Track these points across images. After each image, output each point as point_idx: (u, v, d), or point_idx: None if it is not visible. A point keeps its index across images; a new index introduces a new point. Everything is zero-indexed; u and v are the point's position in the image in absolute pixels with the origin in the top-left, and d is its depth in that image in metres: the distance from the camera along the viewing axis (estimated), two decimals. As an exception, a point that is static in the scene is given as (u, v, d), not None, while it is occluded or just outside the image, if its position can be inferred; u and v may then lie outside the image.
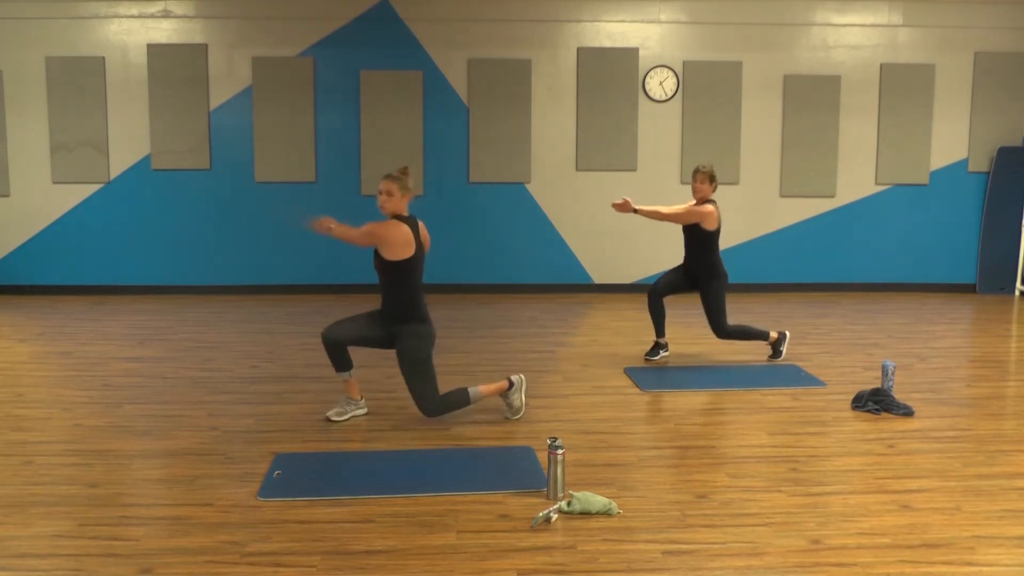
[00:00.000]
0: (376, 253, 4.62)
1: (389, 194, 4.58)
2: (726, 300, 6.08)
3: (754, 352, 6.41)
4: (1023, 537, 3.37)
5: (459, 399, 4.71)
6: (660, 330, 6.24)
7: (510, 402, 4.84)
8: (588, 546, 3.28)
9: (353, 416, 4.87)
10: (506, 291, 9.07)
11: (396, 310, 4.66)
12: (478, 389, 4.75)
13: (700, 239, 6.01)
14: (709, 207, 5.95)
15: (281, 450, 4.32)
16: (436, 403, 4.66)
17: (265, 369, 5.94)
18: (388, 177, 4.60)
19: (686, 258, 6.14)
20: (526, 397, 4.98)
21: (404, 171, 4.69)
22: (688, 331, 7.16)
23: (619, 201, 5.85)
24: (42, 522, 3.47)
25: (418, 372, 4.63)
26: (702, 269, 6.05)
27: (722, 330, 6.05)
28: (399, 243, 4.55)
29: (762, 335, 6.15)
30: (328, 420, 4.81)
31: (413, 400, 4.70)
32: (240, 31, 8.70)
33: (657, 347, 6.24)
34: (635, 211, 5.82)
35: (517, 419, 4.83)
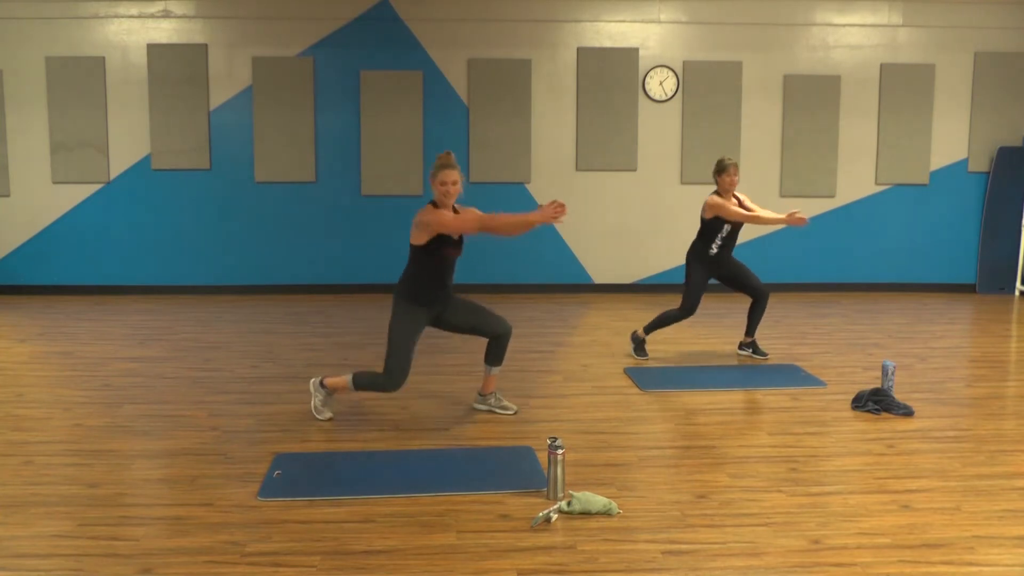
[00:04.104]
0: (460, 242, 4.67)
1: (454, 183, 4.51)
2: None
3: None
4: (1023, 537, 3.37)
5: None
6: (653, 328, 6.27)
7: (498, 399, 4.94)
8: (588, 546, 3.28)
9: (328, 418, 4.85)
10: (506, 291, 9.07)
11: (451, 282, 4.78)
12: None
13: (737, 227, 6.15)
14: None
15: (281, 450, 4.32)
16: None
17: (265, 369, 5.94)
18: (450, 167, 4.50)
19: (722, 251, 6.13)
20: (525, 397, 5.02)
21: (451, 154, 4.62)
22: (688, 331, 7.16)
23: (799, 218, 5.88)
24: (42, 522, 3.47)
25: (480, 306, 4.79)
26: (730, 252, 6.21)
27: (765, 289, 6.24)
28: None
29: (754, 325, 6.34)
30: (328, 419, 4.81)
31: (503, 326, 4.78)
32: (240, 31, 8.70)
33: (642, 345, 6.27)
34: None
35: (512, 415, 4.86)
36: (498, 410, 4.91)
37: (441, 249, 4.57)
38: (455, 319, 4.77)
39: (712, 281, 6.30)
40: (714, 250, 6.12)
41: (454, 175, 4.50)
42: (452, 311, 4.75)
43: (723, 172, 5.97)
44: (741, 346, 6.38)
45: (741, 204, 6.08)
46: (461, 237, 4.67)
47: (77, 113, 8.69)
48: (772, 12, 8.92)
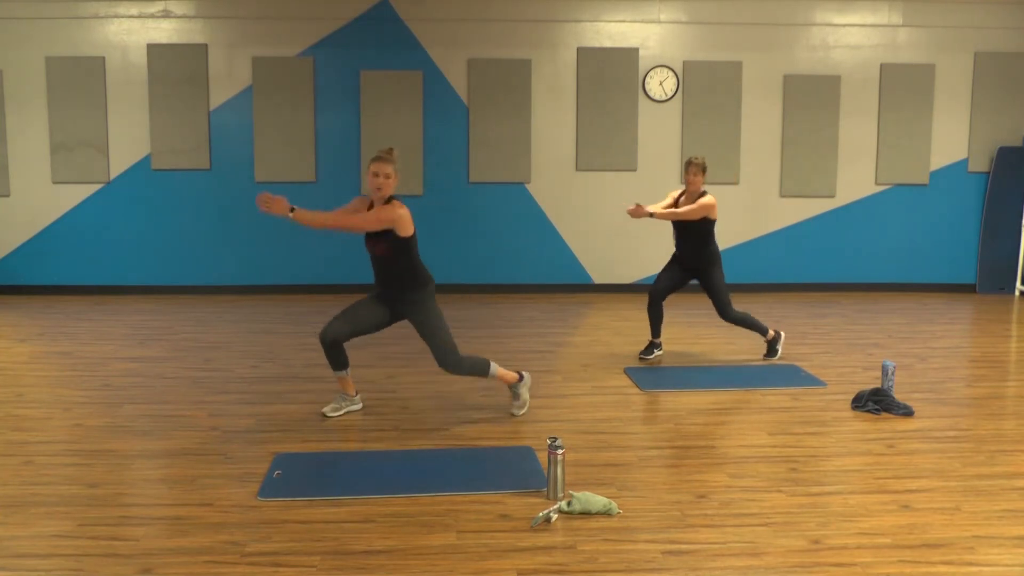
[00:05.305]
0: (379, 237, 4.57)
1: (387, 176, 4.53)
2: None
3: (754, 352, 6.41)
4: (1023, 537, 3.37)
5: (480, 365, 4.76)
6: (657, 331, 6.28)
7: (518, 392, 4.89)
8: (588, 546, 3.28)
9: (348, 411, 4.90)
10: (506, 291, 9.07)
11: (408, 282, 4.69)
12: (496, 368, 4.80)
13: (701, 231, 6.05)
14: (712, 199, 6.00)
15: (281, 450, 4.32)
16: (459, 358, 4.72)
17: (265, 369, 5.94)
18: (380, 160, 4.53)
19: (682, 252, 6.16)
20: (530, 396, 5.02)
21: (391, 151, 4.63)
22: (688, 331, 7.16)
23: (632, 207, 5.88)
24: (42, 522, 3.47)
25: (440, 328, 4.70)
26: (702, 259, 6.09)
27: (728, 314, 6.12)
28: (409, 220, 4.58)
29: (762, 329, 6.18)
30: (323, 416, 4.83)
31: (437, 357, 4.70)
32: (240, 31, 8.70)
33: (652, 346, 6.29)
34: (651, 215, 5.87)
35: (521, 415, 4.86)
36: (514, 409, 4.92)
37: (368, 240, 4.66)
38: (415, 329, 4.79)
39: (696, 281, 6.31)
40: (675, 246, 6.22)
41: (386, 168, 4.52)
42: (413, 319, 4.74)
43: (684, 171, 6.15)
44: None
45: (683, 203, 6.11)
46: (380, 234, 4.57)
47: (77, 113, 8.68)
48: (772, 12, 8.92)
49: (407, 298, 4.71)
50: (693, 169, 6.00)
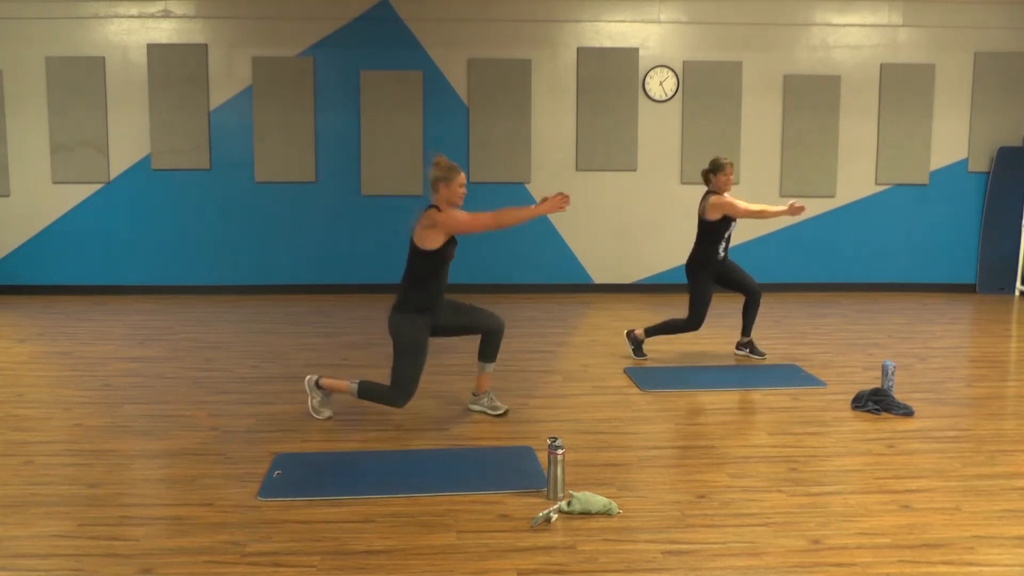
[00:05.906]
0: (453, 240, 4.64)
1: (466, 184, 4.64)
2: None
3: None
4: (1023, 537, 3.37)
5: None
6: (655, 333, 6.26)
7: (490, 403, 4.92)
8: (588, 546, 3.28)
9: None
10: (506, 291, 9.07)
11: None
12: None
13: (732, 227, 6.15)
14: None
15: (281, 450, 4.32)
16: None
17: (265, 369, 5.94)
18: (463, 171, 4.61)
19: (723, 256, 6.11)
20: (525, 397, 5.02)
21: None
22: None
23: (798, 207, 5.88)
24: (42, 522, 3.47)
25: (467, 303, 4.86)
26: (726, 253, 6.19)
27: (758, 289, 6.26)
28: None
29: (750, 328, 6.36)
30: (326, 418, 4.82)
31: (495, 322, 4.77)
32: (240, 31, 8.70)
33: (640, 343, 6.26)
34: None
35: (500, 415, 4.86)
36: (489, 411, 4.90)
37: (449, 250, 4.61)
38: (446, 321, 4.75)
39: None
40: (721, 253, 6.09)
41: (465, 177, 4.61)
42: (443, 314, 4.75)
43: (720, 171, 5.98)
44: (738, 346, 6.38)
45: None
46: (455, 238, 4.67)
47: (77, 113, 8.68)
48: (772, 12, 8.93)
49: (444, 303, 4.75)
50: (730, 168, 5.99)
